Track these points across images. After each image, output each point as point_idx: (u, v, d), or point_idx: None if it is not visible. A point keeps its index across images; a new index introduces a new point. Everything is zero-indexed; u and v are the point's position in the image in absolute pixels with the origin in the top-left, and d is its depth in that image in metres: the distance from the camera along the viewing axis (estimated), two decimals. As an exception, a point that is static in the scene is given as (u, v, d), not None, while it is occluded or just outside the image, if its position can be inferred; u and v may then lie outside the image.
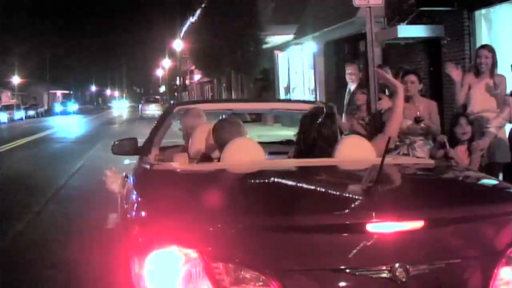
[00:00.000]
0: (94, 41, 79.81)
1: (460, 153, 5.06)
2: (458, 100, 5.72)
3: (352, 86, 7.47)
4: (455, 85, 5.74)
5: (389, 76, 3.47)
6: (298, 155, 3.21)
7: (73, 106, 61.87)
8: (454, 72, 5.73)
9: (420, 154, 5.20)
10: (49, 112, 57.42)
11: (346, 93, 7.66)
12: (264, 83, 25.13)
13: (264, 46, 21.53)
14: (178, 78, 51.08)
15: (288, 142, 4.90)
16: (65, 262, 5.02)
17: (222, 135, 3.29)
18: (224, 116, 4.29)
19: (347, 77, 7.52)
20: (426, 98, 5.84)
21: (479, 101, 5.61)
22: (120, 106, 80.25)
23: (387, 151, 2.39)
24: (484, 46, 6.14)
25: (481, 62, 5.61)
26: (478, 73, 5.68)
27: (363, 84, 7.55)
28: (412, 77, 5.38)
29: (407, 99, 5.12)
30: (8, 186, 9.48)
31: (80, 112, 61.77)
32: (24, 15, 51.00)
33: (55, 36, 60.97)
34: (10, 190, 8.99)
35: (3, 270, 4.90)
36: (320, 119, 3.17)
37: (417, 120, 5.21)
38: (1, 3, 45.44)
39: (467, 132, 5.08)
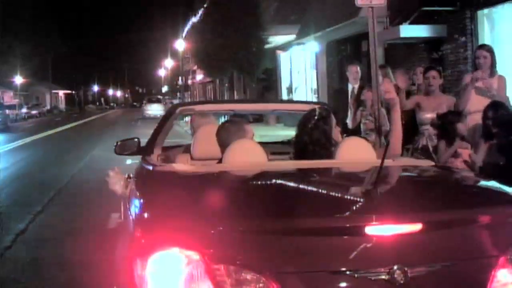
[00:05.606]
0: (96, 41, 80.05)
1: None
2: (461, 104, 5.73)
3: (356, 85, 7.58)
4: (466, 89, 5.73)
5: (391, 90, 3.38)
6: (294, 157, 3.29)
7: None
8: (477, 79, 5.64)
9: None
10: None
11: (350, 91, 7.73)
12: (267, 83, 25.14)
13: (266, 46, 21.53)
14: (180, 78, 51.08)
15: (289, 142, 4.92)
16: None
17: (226, 136, 3.31)
18: (227, 117, 4.32)
19: (352, 77, 7.64)
20: (446, 94, 6.17)
21: (475, 101, 5.62)
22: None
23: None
24: (482, 46, 6.17)
25: (480, 62, 5.63)
26: None
27: (366, 82, 7.62)
28: (434, 73, 5.89)
29: (429, 93, 5.88)
30: None
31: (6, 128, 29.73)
32: (26, 15, 51.07)
33: (57, 36, 61.08)
34: None
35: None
36: (312, 122, 3.21)
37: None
38: (2, 3, 45.49)
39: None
